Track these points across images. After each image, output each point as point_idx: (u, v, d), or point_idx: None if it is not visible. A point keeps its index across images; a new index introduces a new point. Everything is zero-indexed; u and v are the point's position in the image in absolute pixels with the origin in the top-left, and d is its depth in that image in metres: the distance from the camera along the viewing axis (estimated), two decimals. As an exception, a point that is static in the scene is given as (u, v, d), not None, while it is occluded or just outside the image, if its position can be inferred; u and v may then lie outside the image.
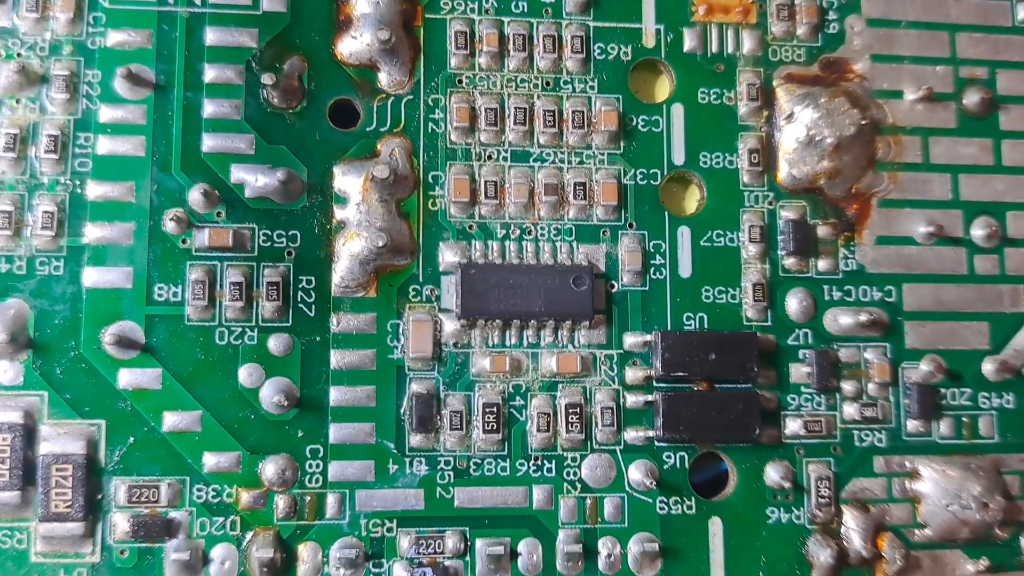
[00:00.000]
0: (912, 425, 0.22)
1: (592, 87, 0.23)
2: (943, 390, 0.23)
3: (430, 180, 0.22)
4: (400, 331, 0.21)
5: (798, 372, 0.22)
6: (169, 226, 0.20)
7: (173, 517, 0.20)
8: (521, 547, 0.21)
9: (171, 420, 0.20)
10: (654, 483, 0.21)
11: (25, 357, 0.20)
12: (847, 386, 0.22)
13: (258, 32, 0.21)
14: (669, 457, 0.22)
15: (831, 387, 0.22)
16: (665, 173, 0.22)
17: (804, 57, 0.23)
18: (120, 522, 0.20)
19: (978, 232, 0.23)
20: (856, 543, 0.22)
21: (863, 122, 0.23)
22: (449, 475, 0.21)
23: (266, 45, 0.21)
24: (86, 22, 0.21)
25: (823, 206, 0.23)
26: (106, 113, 0.21)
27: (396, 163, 0.21)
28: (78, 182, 0.20)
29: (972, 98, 0.24)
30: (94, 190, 0.20)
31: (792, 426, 0.22)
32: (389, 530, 0.21)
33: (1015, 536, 0.23)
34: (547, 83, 0.22)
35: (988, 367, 0.23)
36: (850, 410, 0.22)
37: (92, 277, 0.20)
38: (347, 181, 0.21)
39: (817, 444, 0.22)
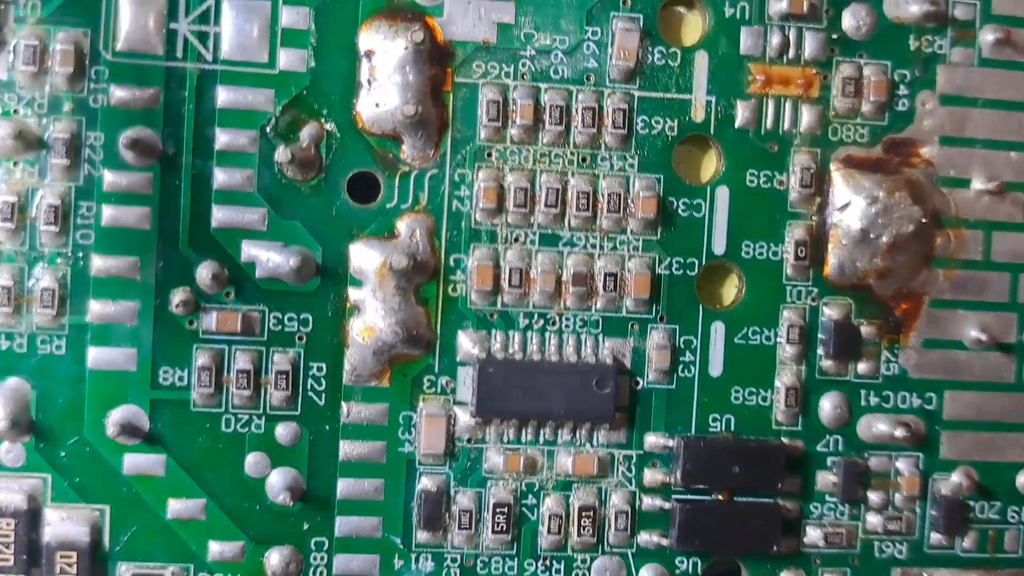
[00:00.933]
0: (936, 538, 0.22)
1: (632, 165, 0.21)
2: (972, 503, 0.22)
3: (451, 264, 0.20)
4: (412, 423, 0.20)
5: (824, 480, 0.21)
6: (176, 307, 0.19)
7: (177, 605, 0.20)
8: (528, 647, 0.21)
9: (175, 507, 0.20)
10: None
11: (27, 439, 0.19)
12: (874, 496, 0.21)
13: (274, 94, 0.20)
14: (682, 562, 0.21)
15: (857, 498, 0.21)
16: (703, 263, 0.21)
17: (867, 137, 0.21)
18: (125, 608, 0.20)
19: None
20: None
21: (923, 220, 0.21)
22: (456, 572, 0.21)
23: (282, 109, 0.20)
24: (88, 77, 0.19)
25: (870, 305, 0.21)
26: (110, 180, 0.19)
27: (416, 246, 0.20)
28: (80, 255, 0.19)
29: None
30: (97, 264, 0.19)
31: (812, 535, 0.21)
32: (394, 627, 0.20)
33: None
34: (583, 159, 0.21)
35: (1022, 480, 0.22)
36: (874, 521, 0.21)
37: (95, 358, 0.19)
38: (364, 260, 0.20)
39: (836, 555, 0.22)
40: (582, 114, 0.21)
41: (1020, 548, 0.22)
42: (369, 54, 0.20)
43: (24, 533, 0.19)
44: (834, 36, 0.21)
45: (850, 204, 0.21)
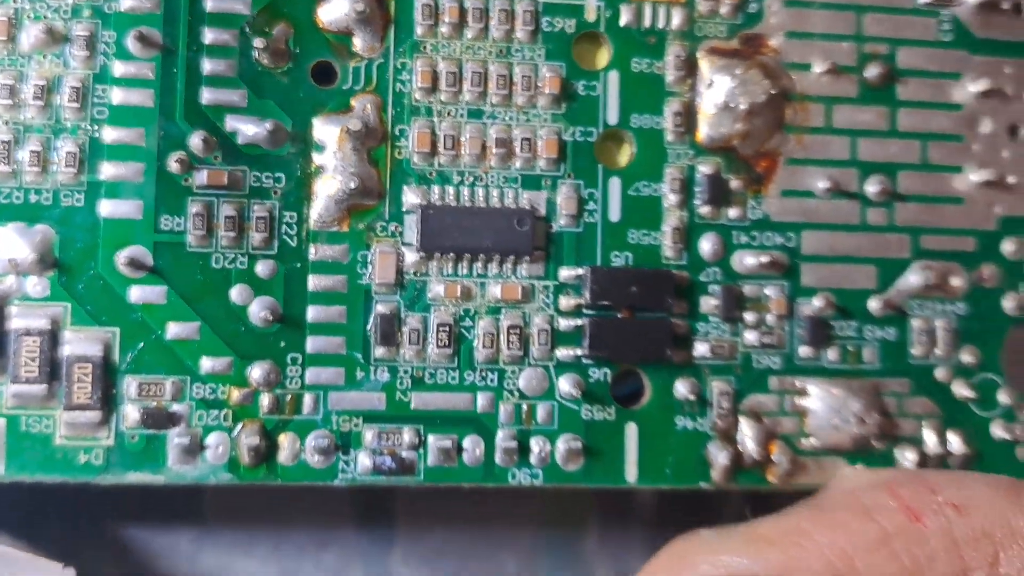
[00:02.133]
0: (804, 351, 0.26)
1: (540, 55, 0.26)
2: (833, 323, 0.27)
3: (396, 133, 0.25)
4: (368, 261, 0.25)
5: (707, 304, 0.26)
6: (173, 167, 0.24)
7: (175, 410, 0.24)
8: (466, 443, 0.25)
9: (174, 330, 0.24)
10: (580, 393, 0.25)
11: (51, 274, 0.24)
12: (749, 316, 0.26)
13: (251, 1, 0.25)
14: (594, 372, 0.26)
15: (735, 317, 0.26)
16: (601, 131, 0.26)
17: (726, 33, 0.27)
18: (131, 412, 0.24)
19: (871, 188, 0.27)
20: (750, 448, 0.26)
21: (773, 91, 0.26)
22: (407, 382, 0.25)
23: (258, 12, 0.25)
24: (103, -11, 0.24)
25: (736, 163, 0.27)
26: (120, 69, 0.24)
27: (368, 118, 0.25)
28: (96, 127, 0.24)
29: (873, 71, 0.27)
30: (109, 134, 0.24)
31: (700, 349, 0.26)
32: (356, 425, 0.25)
33: (889, 448, 0.27)
34: (500, 51, 0.26)
35: (873, 304, 0.27)
36: (751, 337, 0.26)
37: (107, 208, 0.24)
38: (325, 132, 0.25)
39: (721, 365, 0.26)
40: (499, 15, 0.26)
41: (876, 361, 0.27)
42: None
43: (48, 350, 0.23)
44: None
45: (714, 83, 0.26)
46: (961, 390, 0.27)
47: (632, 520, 0.30)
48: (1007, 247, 0.27)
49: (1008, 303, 0.27)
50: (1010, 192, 0.27)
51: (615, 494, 0.28)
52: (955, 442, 0.26)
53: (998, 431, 0.27)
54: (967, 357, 0.27)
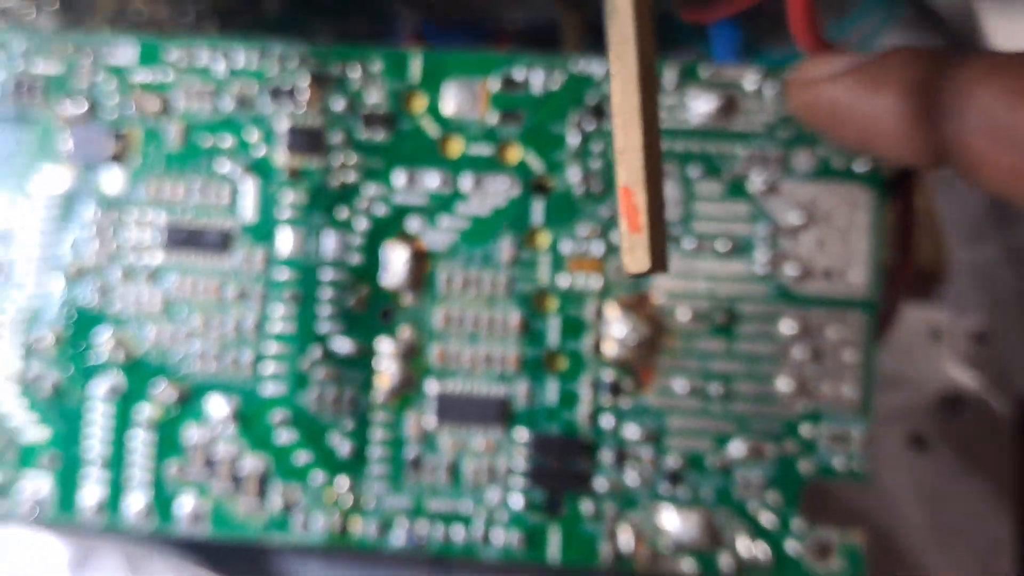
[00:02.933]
0: (663, 488, 0.43)
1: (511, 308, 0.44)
2: (682, 474, 0.43)
3: (427, 351, 0.44)
4: (408, 424, 0.44)
5: (606, 457, 0.43)
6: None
7: (302, 502, 0.44)
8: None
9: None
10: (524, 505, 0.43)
11: (242, 426, 0.44)
12: (631, 467, 0.43)
13: (350, 275, 0.44)
14: (536, 495, 0.43)
15: (623, 466, 0.43)
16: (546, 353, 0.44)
17: (627, 292, 0.44)
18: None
19: (713, 391, 0.43)
20: (624, 544, 0.43)
21: (651, 333, 0.43)
22: (426, 494, 0.44)
23: (353, 281, 0.44)
24: None
25: (629, 372, 0.43)
26: (280, 313, 0.44)
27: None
28: (266, 345, 0.44)
29: (719, 319, 0.43)
30: None
31: (600, 484, 0.43)
32: (396, 518, 0.44)
33: (716, 551, 0.43)
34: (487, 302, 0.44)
35: (709, 461, 0.43)
36: (631, 478, 0.43)
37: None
38: (388, 349, 0.44)
39: (613, 494, 0.43)
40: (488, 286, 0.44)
41: (712, 497, 0.43)
42: None
43: (239, 467, 0.44)
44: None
45: (617, 324, 0.43)
46: (766, 519, 0.42)
47: None
48: (804, 430, 0.42)
49: (804, 466, 0.42)
50: (814, 399, 0.43)
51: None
52: (760, 551, 0.42)
53: (789, 548, 0.42)
54: (772, 497, 0.42)
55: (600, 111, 0.43)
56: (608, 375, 0.43)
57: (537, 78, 0.43)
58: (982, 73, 0.25)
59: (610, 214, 0.42)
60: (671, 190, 0.43)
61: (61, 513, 0.44)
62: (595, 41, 0.64)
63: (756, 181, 0.42)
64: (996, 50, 0.36)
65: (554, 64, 0.43)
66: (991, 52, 0.26)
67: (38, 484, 0.44)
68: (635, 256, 0.26)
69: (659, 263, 0.26)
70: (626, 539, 0.42)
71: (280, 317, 0.43)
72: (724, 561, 0.42)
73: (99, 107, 0.44)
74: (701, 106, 0.42)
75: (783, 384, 0.42)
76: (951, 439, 0.47)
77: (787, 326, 0.42)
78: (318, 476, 0.42)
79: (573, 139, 0.43)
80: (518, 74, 0.43)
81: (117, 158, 0.44)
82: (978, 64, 0.25)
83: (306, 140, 0.43)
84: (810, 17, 0.29)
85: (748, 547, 0.42)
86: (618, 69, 0.27)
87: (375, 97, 0.43)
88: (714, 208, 0.42)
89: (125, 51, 0.44)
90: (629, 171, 0.26)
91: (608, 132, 0.42)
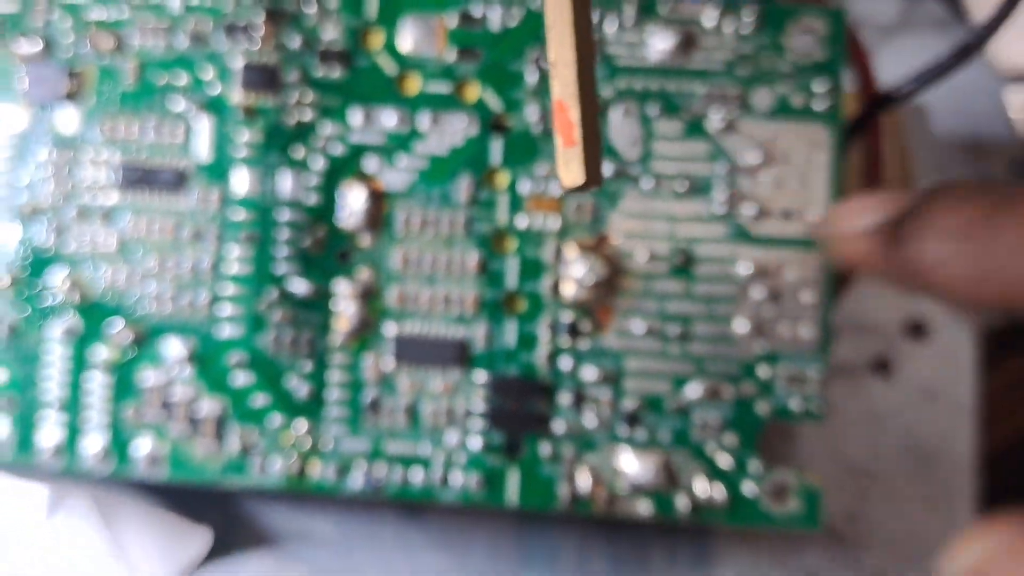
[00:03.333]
0: (621, 430, 0.43)
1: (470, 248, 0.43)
2: (639, 414, 0.43)
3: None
4: (364, 365, 0.44)
5: (564, 399, 0.43)
6: (262, 308, 0.44)
7: (258, 443, 0.43)
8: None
9: (259, 400, 0.44)
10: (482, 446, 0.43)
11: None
12: (588, 409, 0.43)
13: (306, 215, 0.44)
14: (495, 437, 0.43)
15: (581, 408, 0.43)
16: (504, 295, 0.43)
17: (587, 233, 0.43)
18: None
19: (671, 332, 0.43)
20: (582, 487, 0.43)
21: (610, 272, 0.43)
22: (383, 435, 0.43)
23: (309, 222, 0.44)
24: None
25: (587, 313, 0.43)
26: (236, 254, 0.44)
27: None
28: (223, 286, 0.44)
29: (677, 259, 0.43)
30: (229, 291, 0.44)
31: (558, 426, 0.43)
32: (352, 458, 0.44)
33: (672, 492, 0.42)
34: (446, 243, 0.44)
35: (668, 405, 0.43)
36: (589, 418, 0.43)
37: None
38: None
39: (571, 436, 0.43)
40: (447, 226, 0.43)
41: (669, 439, 0.43)
42: None
43: (195, 408, 0.44)
44: None
45: (575, 264, 0.43)
46: (723, 461, 0.42)
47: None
48: (761, 371, 0.42)
49: (762, 407, 0.42)
50: (771, 340, 0.42)
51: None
52: (717, 492, 0.42)
53: (746, 489, 0.42)
54: (730, 438, 0.42)
55: (559, 49, 0.42)
56: (566, 316, 0.42)
57: (495, 14, 0.42)
58: None
59: (569, 154, 0.42)
60: (630, 128, 0.42)
61: (20, 455, 0.43)
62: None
63: (714, 119, 0.42)
64: None
65: (512, 0, 0.42)
66: None
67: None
68: (569, 170, 0.26)
69: (593, 177, 0.26)
70: (584, 481, 0.42)
71: (236, 258, 0.43)
72: (681, 502, 0.42)
73: (54, 45, 0.44)
74: (659, 43, 0.41)
75: (740, 325, 0.42)
76: (915, 364, 0.47)
77: (744, 267, 0.42)
78: (276, 419, 0.42)
79: (531, 77, 0.42)
80: (476, 10, 0.42)
81: (72, 97, 0.43)
82: None
83: (261, 77, 0.43)
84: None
85: (705, 489, 0.42)
86: (549, -22, 0.26)
87: (331, 33, 0.43)
88: (672, 147, 0.42)
89: (79, -12, 0.43)
90: (563, 85, 0.26)
91: (567, 70, 0.42)
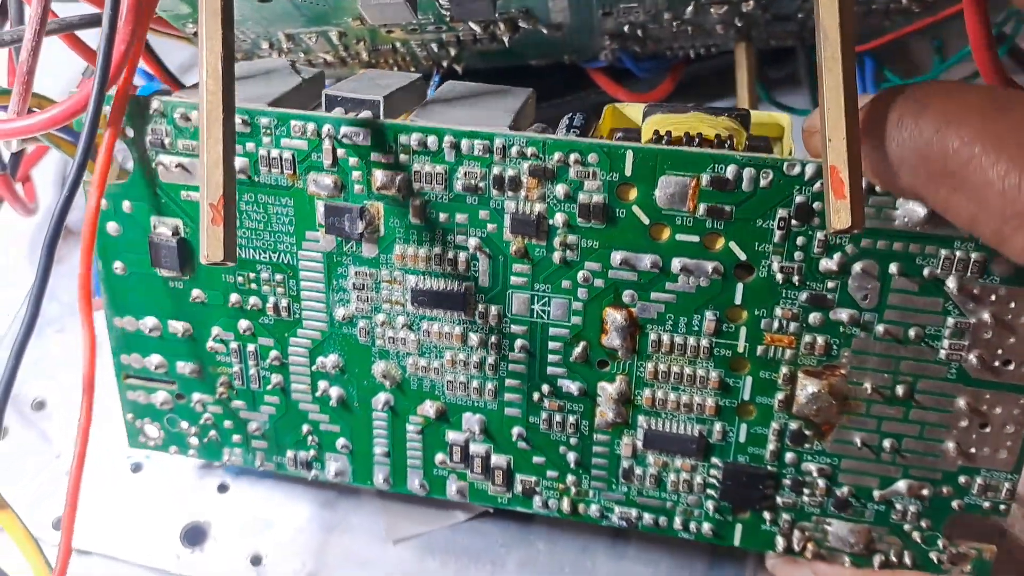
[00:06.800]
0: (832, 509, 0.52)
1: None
2: (852, 501, 0.52)
3: (637, 396, 0.52)
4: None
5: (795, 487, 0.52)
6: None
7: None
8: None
9: (537, 464, 0.55)
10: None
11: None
12: (806, 491, 0.52)
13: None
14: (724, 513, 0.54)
15: (800, 492, 0.52)
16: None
17: (815, 363, 0.49)
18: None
19: (887, 444, 0.50)
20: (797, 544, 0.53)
21: (835, 400, 0.49)
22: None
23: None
24: None
25: (810, 425, 0.50)
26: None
27: (623, 390, 0.52)
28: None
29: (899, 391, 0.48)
30: (510, 386, 0.53)
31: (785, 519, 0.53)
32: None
33: (870, 558, 0.53)
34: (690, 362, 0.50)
35: (876, 494, 0.51)
36: (805, 497, 0.52)
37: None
38: (604, 391, 0.52)
39: (793, 509, 0.53)
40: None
41: (872, 516, 0.52)
42: None
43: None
44: None
45: (805, 388, 0.50)
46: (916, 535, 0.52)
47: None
48: (961, 479, 0.49)
49: (956, 503, 0.50)
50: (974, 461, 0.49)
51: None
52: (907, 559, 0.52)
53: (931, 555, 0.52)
54: (925, 523, 0.51)
55: (809, 210, 0.45)
56: (793, 425, 0.50)
57: (747, 176, 0.45)
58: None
59: (807, 298, 0.47)
60: (869, 281, 0.46)
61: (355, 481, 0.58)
62: (761, 69, 0.70)
63: (950, 282, 0.45)
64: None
65: (763, 164, 0.44)
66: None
67: (340, 464, 0.58)
68: (840, 218, 0.35)
69: (858, 223, 0.35)
70: (796, 536, 0.53)
71: (513, 359, 0.52)
72: (876, 560, 0.53)
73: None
74: (917, 208, 0.43)
75: (949, 447, 0.49)
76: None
77: (961, 403, 0.48)
78: (551, 473, 0.53)
79: (777, 233, 0.46)
80: (729, 172, 0.45)
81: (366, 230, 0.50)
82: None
83: (526, 224, 0.48)
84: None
85: (898, 554, 0.52)
86: (828, 81, 0.36)
87: (591, 186, 0.47)
88: (907, 300, 0.46)
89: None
90: (837, 154, 0.35)
91: (815, 230, 0.45)
